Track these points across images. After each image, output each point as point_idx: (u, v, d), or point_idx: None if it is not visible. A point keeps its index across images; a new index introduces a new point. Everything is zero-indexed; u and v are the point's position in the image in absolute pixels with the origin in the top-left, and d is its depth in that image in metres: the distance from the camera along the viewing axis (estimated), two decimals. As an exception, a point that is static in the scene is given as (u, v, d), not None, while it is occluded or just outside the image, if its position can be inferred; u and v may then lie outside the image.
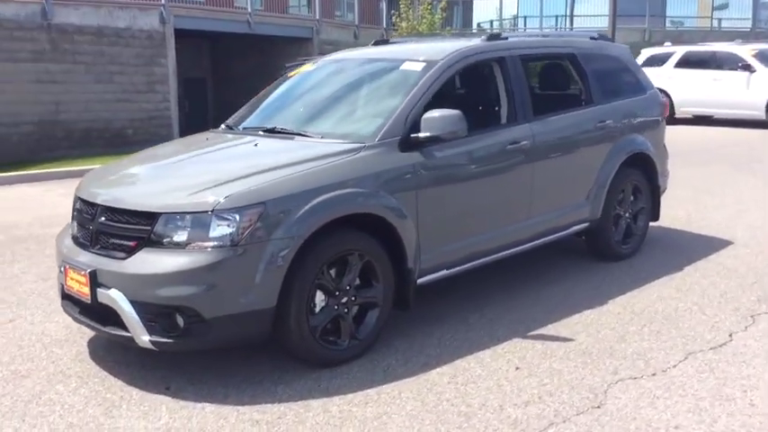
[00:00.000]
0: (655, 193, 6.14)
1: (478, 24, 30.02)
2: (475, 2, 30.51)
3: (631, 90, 6.01)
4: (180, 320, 3.60)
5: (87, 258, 3.87)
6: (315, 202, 3.77)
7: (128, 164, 4.62)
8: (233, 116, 5.23)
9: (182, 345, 3.69)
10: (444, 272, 4.53)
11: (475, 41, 5.09)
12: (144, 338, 3.63)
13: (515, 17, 30.14)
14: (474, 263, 4.74)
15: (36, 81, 14.33)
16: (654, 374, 3.87)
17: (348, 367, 3.99)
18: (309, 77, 5.30)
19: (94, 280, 3.74)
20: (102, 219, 3.88)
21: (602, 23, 24.04)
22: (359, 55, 5.35)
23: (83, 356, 4.22)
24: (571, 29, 29.69)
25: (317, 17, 20.58)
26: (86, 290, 3.77)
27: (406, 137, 4.25)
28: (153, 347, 3.66)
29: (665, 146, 6.39)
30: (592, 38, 6.15)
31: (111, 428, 3.40)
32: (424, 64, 4.62)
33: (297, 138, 4.46)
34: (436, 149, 4.35)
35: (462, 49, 4.83)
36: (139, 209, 3.75)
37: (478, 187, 4.66)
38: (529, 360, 4.07)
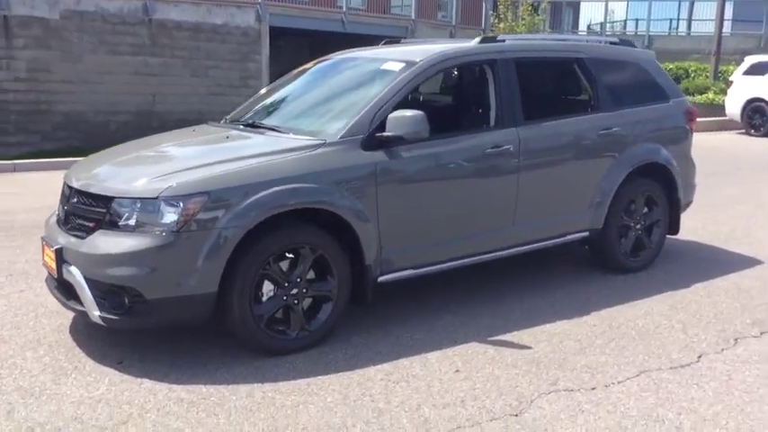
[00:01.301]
0: (674, 205, 5.87)
1: (588, 26, 29.26)
2: (582, 4, 29.74)
3: (650, 98, 5.75)
4: (125, 299, 3.83)
5: (60, 237, 4.18)
6: (261, 194, 3.90)
7: (113, 152, 4.89)
8: (236, 110, 5.45)
9: (126, 322, 3.92)
10: (410, 271, 4.55)
11: (467, 44, 5.06)
12: (95, 314, 3.89)
13: (625, 20, 29.13)
14: (447, 265, 4.73)
15: (135, 73, 15.22)
16: (593, 388, 3.77)
17: (294, 357, 4.10)
18: (307, 75, 5.43)
19: (60, 257, 4.04)
20: (74, 200, 4.18)
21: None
22: (358, 54, 5.42)
23: (63, 328, 4.54)
24: (688, 33, 28.59)
25: (413, 17, 20.70)
26: (54, 265, 4.08)
27: (371, 136, 4.31)
28: (102, 323, 3.92)
29: (689, 157, 6.07)
30: (612, 43, 5.96)
31: (52, 394, 3.67)
32: (402, 64, 4.65)
33: (267, 132, 4.61)
34: (403, 150, 4.37)
35: (445, 51, 4.81)
36: (100, 192, 4.02)
37: (450, 190, 4.63)
38: (473, 364, 4.04)
